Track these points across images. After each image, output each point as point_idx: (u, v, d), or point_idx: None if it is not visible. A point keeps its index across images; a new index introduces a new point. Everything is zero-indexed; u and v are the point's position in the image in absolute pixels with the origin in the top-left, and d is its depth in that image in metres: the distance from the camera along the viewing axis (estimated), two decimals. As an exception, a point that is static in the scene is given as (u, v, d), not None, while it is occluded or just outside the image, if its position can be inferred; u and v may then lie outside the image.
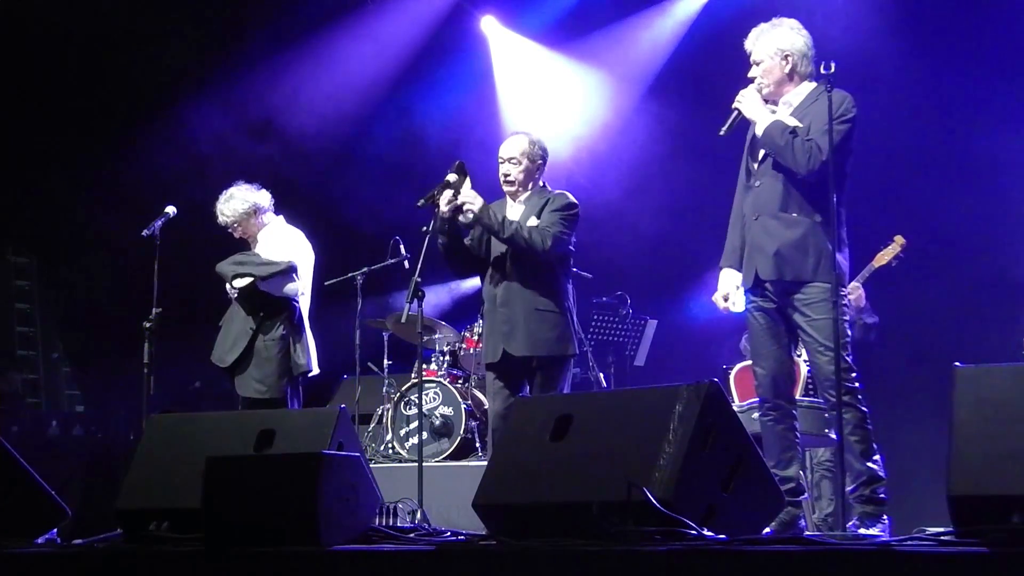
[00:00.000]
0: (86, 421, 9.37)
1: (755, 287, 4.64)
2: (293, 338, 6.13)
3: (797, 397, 5.90)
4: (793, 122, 4.56)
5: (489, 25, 9.74)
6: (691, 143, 8.74)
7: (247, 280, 6.07)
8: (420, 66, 9.54)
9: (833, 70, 4.46)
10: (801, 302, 4.53)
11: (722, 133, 4.69)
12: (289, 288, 6.14)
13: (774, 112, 4.67)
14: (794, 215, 4.56)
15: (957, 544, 2.94)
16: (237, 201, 6.26)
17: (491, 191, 5.72)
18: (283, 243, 6.23)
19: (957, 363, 3.26)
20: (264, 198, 6.35)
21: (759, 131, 4.61)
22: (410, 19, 9.45)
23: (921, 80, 7.91)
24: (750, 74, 4.68)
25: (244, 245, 6.39)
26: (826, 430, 5.53)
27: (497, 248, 5.32)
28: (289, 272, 6.11)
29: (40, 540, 4.18)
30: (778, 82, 4.66)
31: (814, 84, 4.67)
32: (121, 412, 8.76)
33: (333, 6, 9.28)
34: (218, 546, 3.55)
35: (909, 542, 3.09)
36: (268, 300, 6.11)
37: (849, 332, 4.53)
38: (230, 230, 6.32)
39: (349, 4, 9.33)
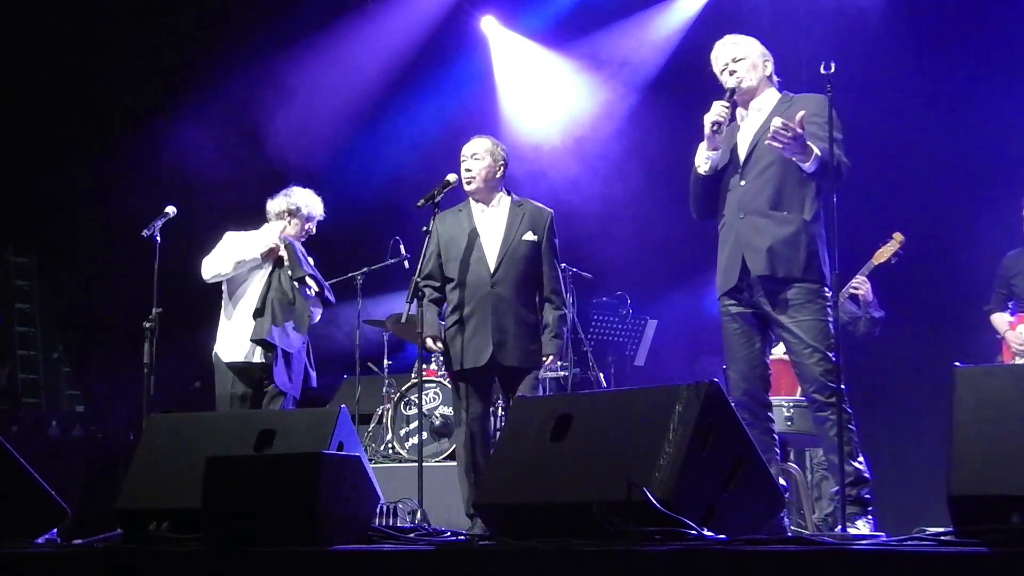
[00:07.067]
0: (86, 421, 9.35)
1: (732, 290, 4.64)
2: (309, 353, 6.31)
3: (797, 397, 5.89)
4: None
5: (489, 25, 9.75)
6: (692, 143, 8.73)
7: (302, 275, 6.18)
8: (420, 66, 9.54)
9: (833, 70, 4.47)
10: (788, 302, 4.54)
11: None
12: (315, 313, 6.32)
13: (744, 119, 4.80)
14: (785, 213, 4.60)
15: (957, 544, 2.94)
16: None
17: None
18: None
19: (957, 363, 3.26)
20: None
21: (810, 166, 4.54)
22: (410, 19, 9.46)
23: (921, 79, 7.91)
24: (730, 70, 4.74)
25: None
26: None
27: None
28: (326, 307, 6.36)
29: (40, 540, 4.18)
30: (760, 80, 4.78)
31: (779, 94, 4.82)
32: (121, 412, 8.75)
33: (333, 6, 9.28)
34: (217, 546, 3.55)
35: (909, 542, 3.09)
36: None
37: (833, 332, 4.50)
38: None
39: (349, 4, 9.34)
